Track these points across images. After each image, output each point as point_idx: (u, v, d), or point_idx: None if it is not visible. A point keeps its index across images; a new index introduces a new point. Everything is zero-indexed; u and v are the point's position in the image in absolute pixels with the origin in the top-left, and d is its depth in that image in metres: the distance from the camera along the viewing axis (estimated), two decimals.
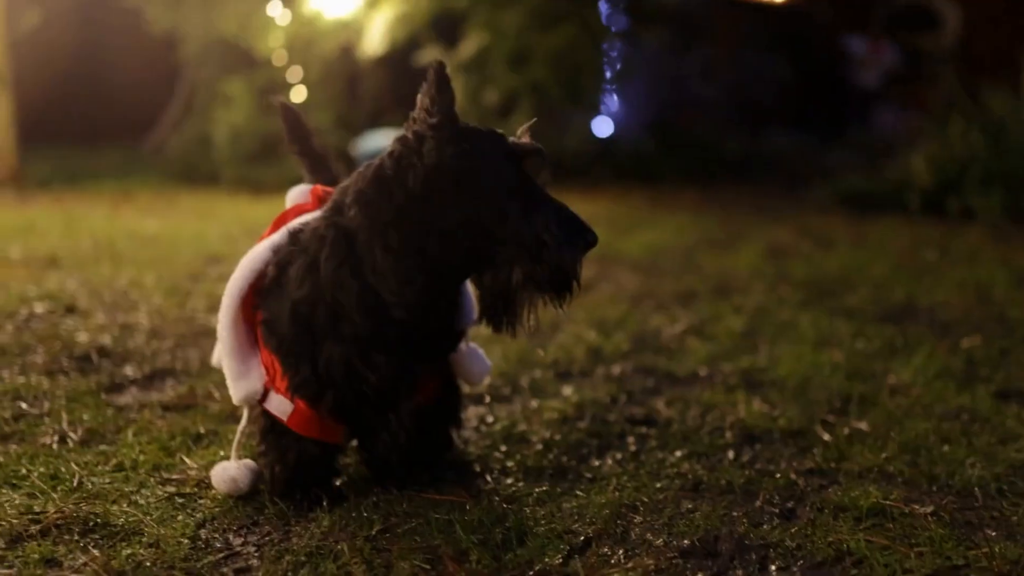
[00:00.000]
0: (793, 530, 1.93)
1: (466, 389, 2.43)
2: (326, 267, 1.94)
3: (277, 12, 8.21)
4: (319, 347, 1.97)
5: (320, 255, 1.96)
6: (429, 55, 8.07)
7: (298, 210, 2.20)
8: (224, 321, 2.07)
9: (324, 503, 2.05)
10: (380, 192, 1.92)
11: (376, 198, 1.92)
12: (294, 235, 2.04)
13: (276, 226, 2.18)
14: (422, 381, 2.06)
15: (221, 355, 2.10)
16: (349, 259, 1.93)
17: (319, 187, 2.25)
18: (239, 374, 2.06)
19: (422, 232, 1.90)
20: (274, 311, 2.01)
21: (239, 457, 2.13)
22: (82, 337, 3.29)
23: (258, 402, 2.07)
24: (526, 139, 1.97)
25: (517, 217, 1.87)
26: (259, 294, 2.06)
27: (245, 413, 2.15)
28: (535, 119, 2.05)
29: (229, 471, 2.09)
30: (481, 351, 2.29)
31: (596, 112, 9.55)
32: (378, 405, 2.02)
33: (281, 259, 2.03)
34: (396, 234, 1.90)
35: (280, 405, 2.04)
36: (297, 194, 2.27)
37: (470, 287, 2.17)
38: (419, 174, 1.88)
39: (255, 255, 2.09)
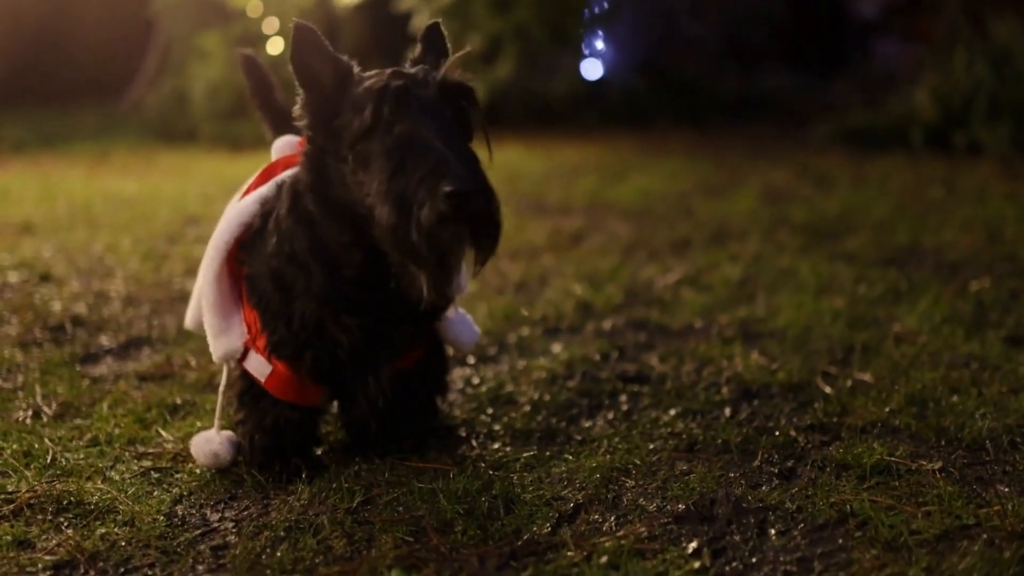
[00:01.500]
0: (793, 491, 1.85)
1: (451, 352, 2.33)
2: (281, 214, 1.91)
3: None
4: (293, 305, 1.91)
5: (281, 205, 1.93)
6: (408, 2, 7.91)
7: (286, 163, 2.12)
8: (207, 275, 2.01)
9: (303, 474, 1.98)
10: (307, 148, 1.90)
11: (305, 153, 1.90)
12: (279, 187, 1.99)
13: (263, 179, 2.10)
14: (404, 346, 1.98)
15: (203, 310, 2.04)
16: (297, 207, 1.90)
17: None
18: (220, 330, 2.01)
19: (331, 186, 1.85)
20: (256, 266, 1.96)
21: (220, 427, 2.06)
22: (56, 306, 3.20)
23: (237, 361, 2.01)
24: (455, 72, 1.82)
25: (369, 166, 1.77)
26: (244, 248, 2.00)
27: (224, 374, 2.09)
28: (467, 50, 1.88)
29: (212, 444, 2.03)
30: (470, 318, 2.20)
31: (583, 54, 9.38)
32: (354, 368, 1.95)
33: (265, 212, 1.98)
34: (317, 189, 1.87)
35: (259, 365, 1.98)
36: (283, 145, 2.20)
37: None
38: (309, 135, 1.89)
39: (242, 208, 2.02)
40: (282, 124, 2.36)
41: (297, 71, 1.84)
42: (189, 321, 2.30)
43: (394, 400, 2.03)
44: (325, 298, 1.88)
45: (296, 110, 1.88)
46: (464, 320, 2.18)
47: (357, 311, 1.89)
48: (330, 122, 1.83)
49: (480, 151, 1.84)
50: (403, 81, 1.77)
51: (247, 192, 2.10)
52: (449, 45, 1.95)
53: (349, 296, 1.88)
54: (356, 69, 1.87)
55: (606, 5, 9.05)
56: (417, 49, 1.94)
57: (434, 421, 2.20)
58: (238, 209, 2.03)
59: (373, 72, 1.85)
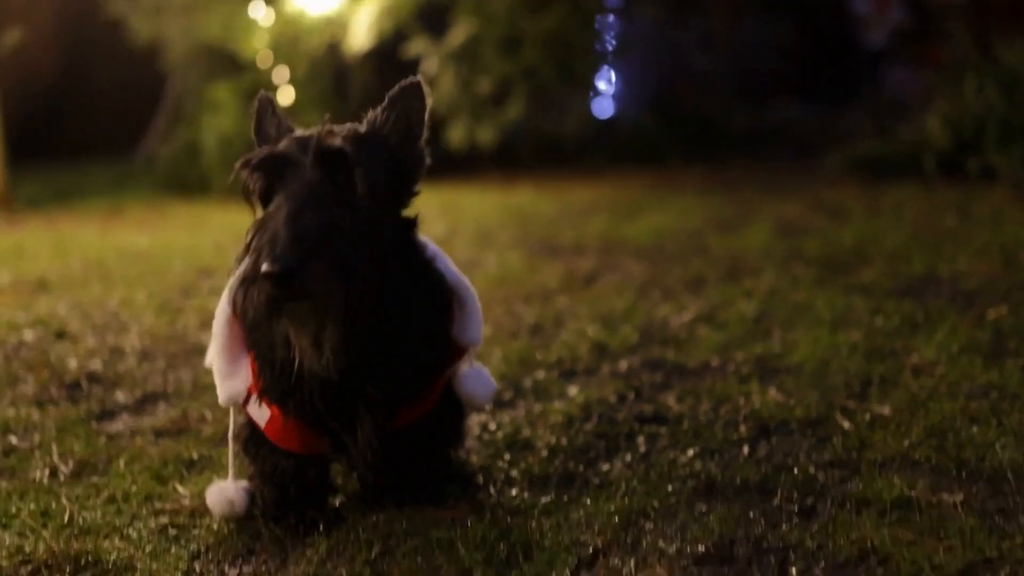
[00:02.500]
0: (813, 529, 1.83)
1: None
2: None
3: (260, 13, 8.14)
4: (275, 352, 1.90)
5: None
6: (417, 47, 7.97)
7: None
8: (219, 318, 2.03)
9: (321, 527, 1.97)
10: None
11: None
12: None
13: None
14: (386, 401, 1.94)
15: (213, 352, 2.06)
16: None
17: None
18: (226, 374, 2.02)
19: None
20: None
21: (236, 477, 2.07)
22: (72, 363, 3.21)
23: (242, 405, 2.02)
24: (327, 137, 1.80)
25: None
26: None
27: (231, 422, 2.10)
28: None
29: (226, 493, 2.03)
30: (486, 371, 2.16)
31: (593, 93, 9.44)
32: (338, 420, 1.94)
33: None
34: None
35: (259, 410, 1.99)
36: None
37: (475, 304, 2.08)
38: None
39: None
40: None
41: (256, 136, 1.91)
42: (208, 360, 2.32)
43: (400, 453, 2.03)
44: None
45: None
46: (479, 374, 2.14)
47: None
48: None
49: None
50: (275, 151, 1.78)
51: None
52: (427, 101, 1.91)
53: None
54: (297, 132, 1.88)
55: (614, 43, 9.12)
56: (382, 106, 1.92)
57: (445, 472, 2.17)
58: None
59: (297, 134, 1.86)
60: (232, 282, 1.74)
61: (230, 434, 2.10)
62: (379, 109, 1.92)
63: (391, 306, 1.87)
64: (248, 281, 1.67)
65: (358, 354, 1.79)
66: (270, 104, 1.90)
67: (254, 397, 2.00)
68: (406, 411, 2.00)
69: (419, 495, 2.08)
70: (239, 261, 1.74)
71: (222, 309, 2.04)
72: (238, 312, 1.71)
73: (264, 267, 1.60)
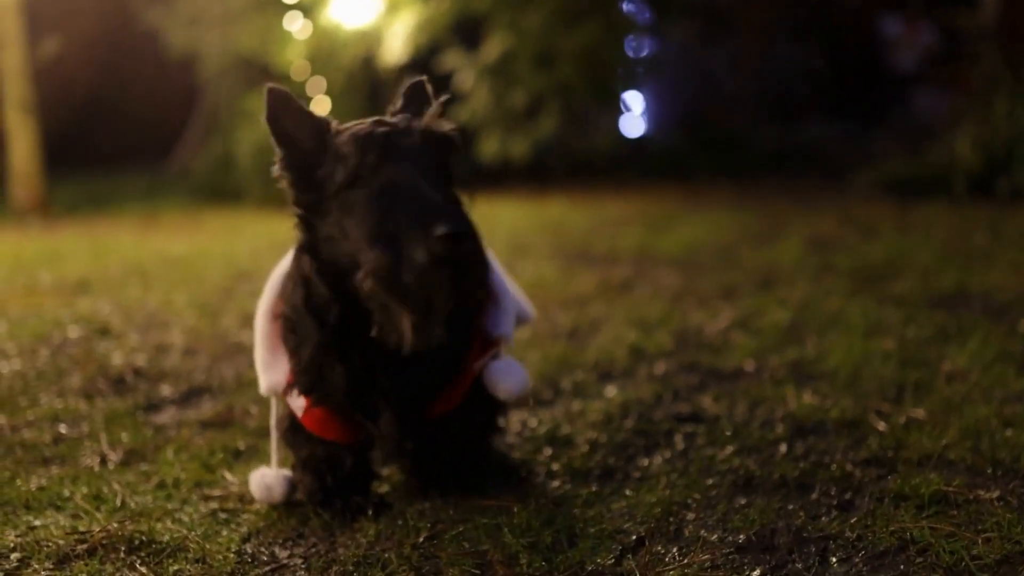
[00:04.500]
0: (853, 521, 1.87)
1: None
2: (290, 277, 1.99)
3: (296, 25, 8.24)
4: (301, 349, 1.97)
5: (291, 265, 2.01)
6: (451, 60, 8.04)
7: None
8: (261, 310, 2.10)
9: (368, 512, 2.02)
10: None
11: (297, 212, 1.94)
12: None
13: None
14: (422, 395, 2.00)
15: (255, 344, 2.13)
16: (300, 270, 1.95)
17: None
18: (267, 364, 2.08)
19: (318, 241, 1.89)
20: (284, 309, 2.03)
21: (279, 465, 2.13)
22: (117, 359, 3.28)
23: (281, 394, 2.08)
24: (435, 122, 1.86)
25: (352, 215, 1.80)
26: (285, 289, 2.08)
27: (272, 412, 2.16)
28: (444, 96, 1.93)
29: (266, 479, 2.10)
30: (519, 364, 2.13)
31: (624, 111, 9.49)
32: (360, 412, 1.99)
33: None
34: (307, 245, 1.91)
35: (295, 400, 2.05)
36: None
37: (511, 295, 2.14)
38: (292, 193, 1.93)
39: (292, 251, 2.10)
40: None
41: (273, 131, 1.90)
42: None
43: (437, 443, 2.09)
44: (317, 346, 1.93)
45: (275, 170, 1.92)
46: (509, 365, 2.11)
47: (343, 358, 1.93)
48: (312, 176, 1.87)
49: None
50: (387, 128, 1.82)
51: None
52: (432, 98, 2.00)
53: (334, 345, 1.92)
54: (334, 123, 1.92)
55: (645, 62, 9.17)
56: (398, 102, 1.99)
57: (486, 462, 2.21)
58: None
59: (353, 123, 1.90)
60: (366, 245, 1.74)
61: (272, 424, 2.17)
62: (399, 106, 1.99)
63: None
64: (404, 242, 1.68)
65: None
66: (286, 97, 1.91)
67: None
68: (437, 402, 2.03)
69: (461, 485, 2.12)
70: (361, 230, 1.76)
71: (265, 300, 2.10)
72: (379, 274, 1.69)
73: (441, 228, 1.64)
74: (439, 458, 2.13)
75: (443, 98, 1.91)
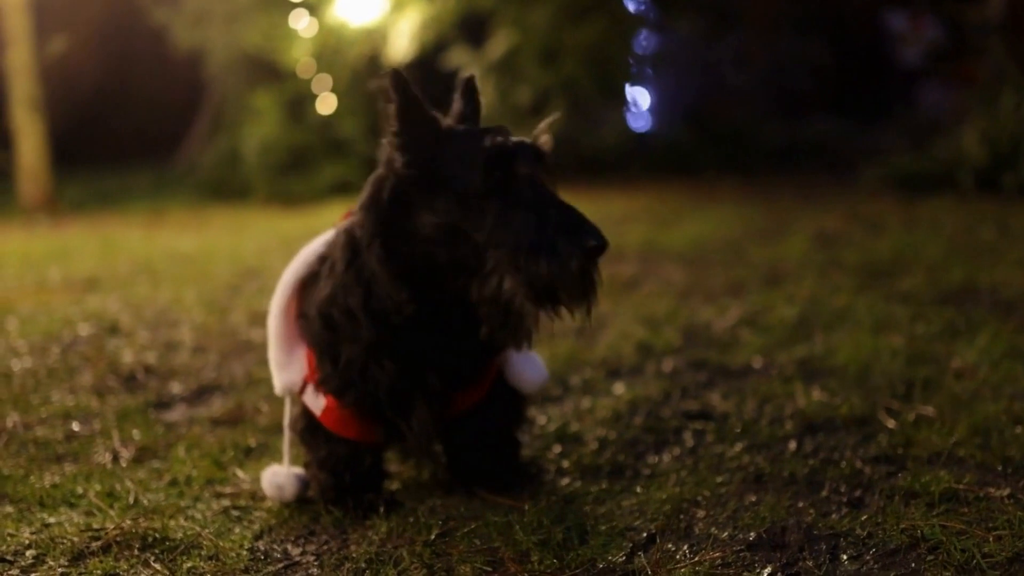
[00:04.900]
0: (863, 518, 1.88)
1: None
2: (337, 270, 1.97)
3: (302, 23, 8.25)
4: (340, 347, 1.98)
5: (336, 258, 1.99)
6: (457, 57, 8.05)
7: None
8: (274, 310, 2.10)
9: (380, 509, 2.03)
10: (371, 200, 1.93)
11: (368, 206, 1.93)
12: (340, 233, 2.05)
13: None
14: (444, 389, 2.01)
15: (269, 343, 2.13)
16: (355, 264, 1.94)
17: None
18: (282, 364, 2.10)
19: (404, 240, 1.88)
20: (309, 307, 2.03)
21: (290, 463, 2.14)
22: (127, 356, 3.30)
23: (297, 394, 2.09)
24: (544, 138, 1.90)
25: (495, 221, 1.81)
26: (304, 288, 2.09)
27: (287, 411, 2.17)
28: (555, 115, 1.99)
29: (277, 477, 2.11)
30: (537, 357, 2.22)
31: (630, 107, 9.48)
32: (394, 409, 2.00)
33: (323, 255, 2.06)
34: (381, 243, 1.89)
35: (314, 399, 2.05)
36: None
37: None
38: (390, 183, 1.89)
39: (311, 248, 2.11)
40: None
41: (399, 112, 1.87)
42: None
43: (465, 438, 2.10)
44: (369, 345, 1.94)
45: (394, 154, 1.89)
46: (529, 359, 2.19)
47: (395, 356, 1.95)
48: (428, 168, 1.86)
49: None
50: (518, 141, 1.85)
51: None
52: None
53: (391, 343, 1.94)
54: (442, 119, 1.93)
55: (651, 57, 9.16)
56: (456, 103, 2.01)
57: (516, 455, 2.22)
58: (307, 249, 2.12)
59: (461, 127, 1.92)
60: (513, 254, 1.78)
61: (285, 423, 2.17)
62: (459, 102, 2.01)
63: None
64: (551, 251, 1.76)
65: None
66: (407, 82, 1.88)
67: (310, 386, 2.06)
68: (462, 397, 2.06)
69: (492, 481, 2.13)
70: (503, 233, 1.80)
71: (278, 300, 2.10)
72: (539, 282, 1.77)
73: (594, 242, 1.76)
74: (469, 453, 2.14)
75: (553, 116, 1.97)
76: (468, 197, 1.82)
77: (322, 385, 2.02)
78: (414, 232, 1.87)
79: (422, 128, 1.88)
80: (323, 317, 1.98)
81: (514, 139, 1.85)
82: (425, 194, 1.86)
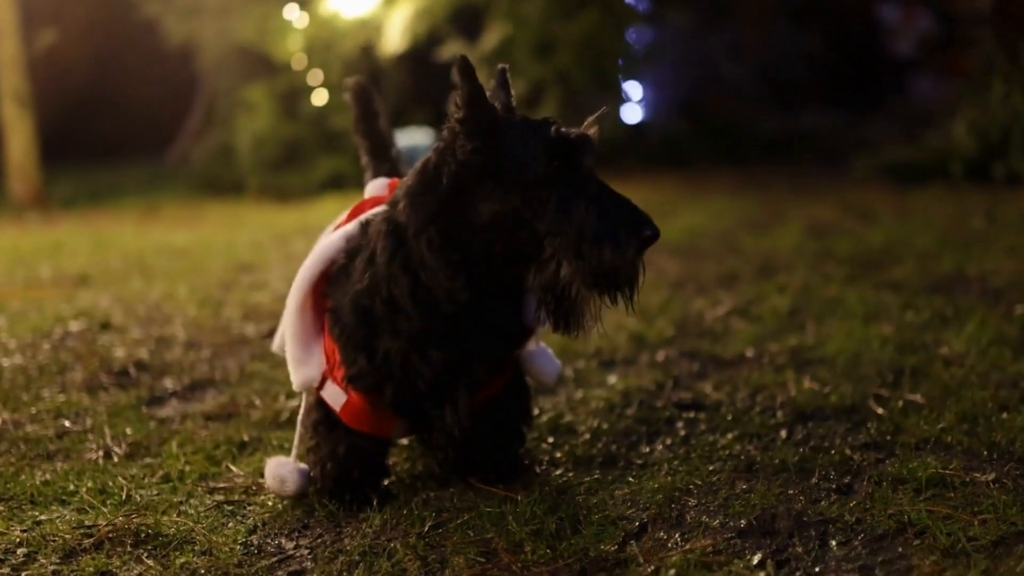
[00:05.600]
0: (852, 504, 1.89)
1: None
2: (380, 261, 1.94)
3: (294, 15, 8.23)
4: (377, 340, 1.96)
5: (377, 248, 1.96)
6: (450, 50, 8.05)
7: (374, 201, 2.19)
8: (291, 306, 2.09)
9: (374, 503, 2.04)
10: (423, 188, 1.92)
11: (420, 193, 1.91)
12: (364, 226, 2.05)
13: (352, 216, 2.17)
14: (485, 378, 2.03)
15: (285, 339, 2.12)
16: (400, 253, 1.92)
17: (396, 180, 2.23)
18: (300, 360, 2.08)
19: (462, 227, 1.88)
20: (339, 300, 2.02)
21: (299, 457, 2.13)
22: (119, 352, 3.30)
23: (315, 389, 2.08)
24: (593, 130, 1.92)
25: (556, 209, 1.82)
26: (329, 282, 2.07)
27: (303, 404, 2.16)
28: (604, 109, 2.01)
29: (282, 469, 2.10)
30: (550, 351, 2.25)
31: (624, 99, 9.48)
32: (433, 400, 2.00)
33: (350, 249, 2.04)
34: (437, 230, 1.89)
35: (335, 395, 2.05)
36: (376, 187, 2.27)
37: None
38: (451, 170, 1.88)
39: (328, 243, 2.10)
40: (381, 152, 2.47)
41: (468, 95, 1.86)
42: (275, 346, 2.37)
43: (477, 429, 2.09)
44: (414, 336, 1.94)
45: (460, 141, 1.87)
46: (545, 352, 2.24)
47: (443, 346, 1.95)
48: (492, 153, 1.86)
49: None
50: (578, 133, 1.88)
51: (337, 228, 2.18)
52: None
53: (440, 332, 1.94)
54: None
55: (644, 49, 9.16)
56: (494, 93, 2.01)
57: (520, 447, 2.23)
58: (323, 244, 2.11)
59: (517, 117, 1.93)
60: (575, 241, 1.81)
61: (300, 415, 2.16)
62: (496, 92, 2.02)
63: None
64: (612, 239, 1.81)
65: None
66: (473, 70, 1.88)
67: (329, 382, 2.06)
68: (486, 387, 2.06)
69: (499, 472, 2.14)
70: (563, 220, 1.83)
71: (295, 296, 2.08)
72: (603, 268, 1.81)
73: (649, 232, 1.82)
74: (480, 445, 2.14)
75: (602, 110, 2.00)
76: (529, 185, 1.83)
77: (353, 381, 2.00)
78: (471, 219, 1.88)
79: (486, 116, 1.88)
80: (360, 310, 1.97)
81: (575, 130, 1.88)
82: (485, 181, 1.86)
